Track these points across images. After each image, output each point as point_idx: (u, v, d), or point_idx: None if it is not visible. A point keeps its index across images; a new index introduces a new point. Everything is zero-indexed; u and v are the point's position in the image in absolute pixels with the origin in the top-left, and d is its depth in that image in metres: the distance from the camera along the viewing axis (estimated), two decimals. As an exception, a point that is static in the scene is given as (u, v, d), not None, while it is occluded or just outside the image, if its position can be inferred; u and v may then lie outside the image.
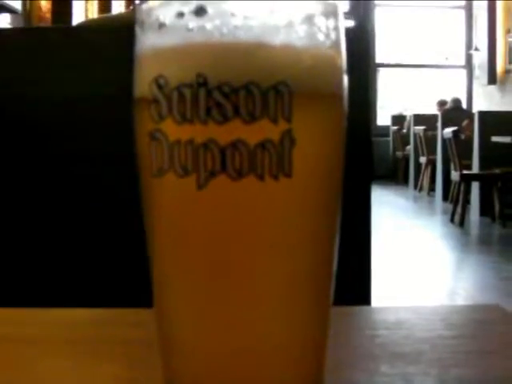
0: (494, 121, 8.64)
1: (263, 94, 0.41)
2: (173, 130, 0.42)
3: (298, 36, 0.43)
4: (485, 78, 13.27)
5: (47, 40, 1.17)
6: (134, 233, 1.08)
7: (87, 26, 1.57)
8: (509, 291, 5.11)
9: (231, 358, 0.45)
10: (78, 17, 7.15)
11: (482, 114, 8.95)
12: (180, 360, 0.46)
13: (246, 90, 0.41)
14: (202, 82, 0.41)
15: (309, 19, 0.43)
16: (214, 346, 0.45)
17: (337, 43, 0.45)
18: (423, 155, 11.44)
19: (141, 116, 0.45)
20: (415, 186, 12.33)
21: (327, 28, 0.44)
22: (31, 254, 1.15)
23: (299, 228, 0.44)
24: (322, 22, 0.44)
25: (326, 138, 0.45)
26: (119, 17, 1.57)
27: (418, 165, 12.08)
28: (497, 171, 8.03)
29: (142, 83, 0.44)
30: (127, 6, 7.82)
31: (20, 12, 6.72)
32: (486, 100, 13.21)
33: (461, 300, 4.95)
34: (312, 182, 0.44)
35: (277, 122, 0.42)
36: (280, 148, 0.42)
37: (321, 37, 0.44)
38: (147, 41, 0.45)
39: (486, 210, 8.54)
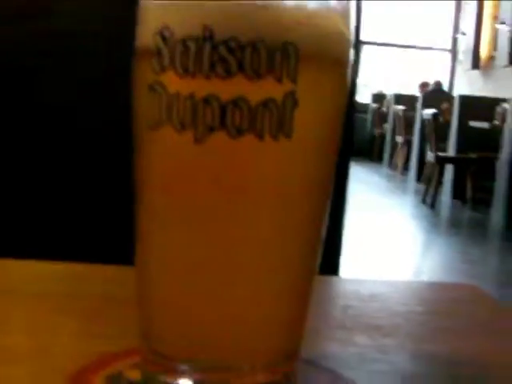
0: (473, 106, 8.67)
1: (270, 52, 0.41)
2: (173, 82, 0.42)
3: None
4: (468, 63, 13.29)
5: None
6: (111, 185, 1.07)
7: None
8: (473, 274, 5.16)
9: (211, 321, 0.44)
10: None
11: (462, 98, 8.98)
12: (158, 318, 0.46)
13: (252, 47, 0.40)
14: (208, 36, 0.41)
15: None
16: (195, 306, 0.44)
17: (346, 9, 0.45)
18: (400, 135, 11.47)
19: (141, 67, 0.44)
20: (389, 165, 12.38)
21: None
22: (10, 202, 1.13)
23: (295, 189, 0.43)
24: (333, -14, 0.44)
25: (328, 102, 0.44)
26: None
27: (394, 144, 12.12)
28: (472, 156, 8.08)
29: (146, 34, 0.43)
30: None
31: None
32: (468, 85, 13.23)
33: (426, 279, 4.99)
34: (311, 145, 0.44)
35: (281, 82, 0.41)
36: (282, 108, 0.41)
37: (332, 1, 0.44)
38: (154, -11, 0.44)
39: (457, 193, 8.59)
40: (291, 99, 0.41)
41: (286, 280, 0.45)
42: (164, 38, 0.42)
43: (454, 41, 14.62)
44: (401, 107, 11.32)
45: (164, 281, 0.45)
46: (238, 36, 0.40)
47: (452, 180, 8.76)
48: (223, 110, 0.41)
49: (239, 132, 0.41)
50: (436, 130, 8.27)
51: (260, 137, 0.41)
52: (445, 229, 7.46)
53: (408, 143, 11.10)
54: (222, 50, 0.40)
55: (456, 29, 14.56)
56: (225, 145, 0.41)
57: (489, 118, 7.99)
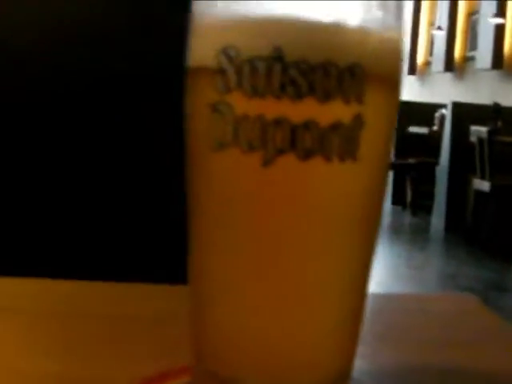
0: (411, 111, 8.78)
1: (339, 73, 0.40)
2: (241, 103, 0.41)
3: (373, 19, 0.42)
4: (405, 69, 13.46)
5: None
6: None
7: None
8: (420, 279, 5.22)
9: (268, 340, 0.44)
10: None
11: (400, 103, 9.06)
12: (214, 338, 0.45)
13: (323, 69, 0.40)
14: (277, 57, 0.40)
15: (384, 4, 0.43)
16: (252, 326, 0.44)
17: (401, 27, 0.45)
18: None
19: (199, 86, 0.43)
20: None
21: (397, 13, 0.44)
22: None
23: (360, 210, 0.43)
24: (393, 7, 0.44)
25: (388, 122, 0.45)
26: None
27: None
28: (411, 161, 8.18)
29: (205, 52, 0.43)
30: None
31: None
32: (405, 90, 13.38)
33: (375, 288, 5.03)
34: (375, 165, 0.44)
35: (349, 104, 0.41)
36: (350, 130, 0.41)
37: (392, 21, 0.44)
38: (212, 8, 0.43)
39: (397, 198, 8.70)
40: (358, 121, 0.41)
41: (345, 299, 0.45)
42: (229, 58, 0.41)
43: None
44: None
45: (219, 300, 0.44)
46: (308, 58, 0.40)
47: (392, 186, 8.86)
48: (293, 132, 0.40)
49: (308, 154, 0.41)
50: (375, 136, 8.35)
51: (328, 159, 0.41)
52: (387, 235, 7.53)
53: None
54: (293, 71, 0.40)
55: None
56: (293, 167, 0.41)
57: (428, 123, 8.11)
